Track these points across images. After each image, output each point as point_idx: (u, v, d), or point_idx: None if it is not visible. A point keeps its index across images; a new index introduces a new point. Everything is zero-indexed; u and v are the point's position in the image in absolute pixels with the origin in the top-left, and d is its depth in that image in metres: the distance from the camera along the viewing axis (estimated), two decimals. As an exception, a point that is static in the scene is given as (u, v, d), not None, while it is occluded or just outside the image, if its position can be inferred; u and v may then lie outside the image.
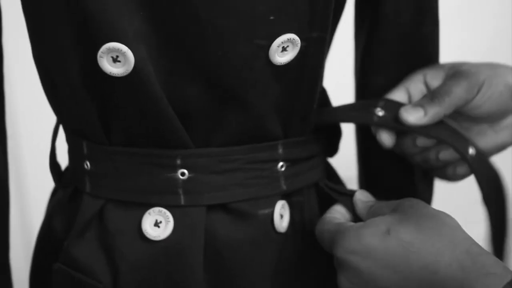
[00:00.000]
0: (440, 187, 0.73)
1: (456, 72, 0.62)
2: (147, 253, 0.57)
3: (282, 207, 0.60)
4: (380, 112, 0.62)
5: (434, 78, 0.64)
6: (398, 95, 0.64)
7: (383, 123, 0.61)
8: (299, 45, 0.53)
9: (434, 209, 0.52)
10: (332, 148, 0.66)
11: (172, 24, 0.50)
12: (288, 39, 0.52)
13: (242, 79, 0.53)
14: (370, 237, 0.51)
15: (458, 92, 0.60)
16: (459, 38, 1.51)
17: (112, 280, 0.57)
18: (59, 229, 0.63)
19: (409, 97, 0.64)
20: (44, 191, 0.77)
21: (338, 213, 0.59)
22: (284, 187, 0.60)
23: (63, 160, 0.68)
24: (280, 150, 0.59)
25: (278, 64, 0.53)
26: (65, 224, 0.62)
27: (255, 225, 0.58)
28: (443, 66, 0.65)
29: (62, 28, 0.52)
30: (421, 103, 0.61)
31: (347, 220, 0.59)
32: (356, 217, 0.59)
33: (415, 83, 0.64)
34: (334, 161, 0.70)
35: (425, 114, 0.60)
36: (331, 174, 0.68)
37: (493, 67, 0.63)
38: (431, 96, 0.61)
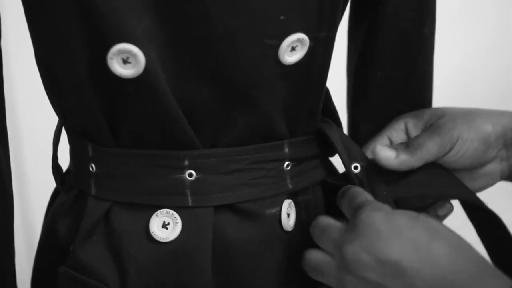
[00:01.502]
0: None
1: (432, 125, 0.63)
2: (155, 255, 0.57)
3: (289, 206, 0.60)
4: (355, 170, 0.62)
5: (415, 127, 0.65)
6: (380, 142, 0.65)
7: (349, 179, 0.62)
8: (307, 44, 0.53)
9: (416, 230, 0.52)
10: (333, 148, 0.67)
11: (182, 24, 0.50)
12: (297, 38, 0.52)
13: (251, 78, 0.53)
14: (403, 219, 0.52)
15: (430, 148, 0.61)
16: (460, 37, 1.51)
17: (120, 282, 0.57)
18: (63, 232, 0.62)
19: (392, 144, 0.65)
20: (45, 192, 0.77)
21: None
22: (290, 186, 0.60)
23: (63, 162, 0.68)
24: (286, 150, 0.59)
25: (287, 63, 0.53)
26: (69, 227, 0.62)
27: (263, 224, 0.58)
28: (423, 114, 0.65)
29: (70, 30, 0.51)
30: (396, 147, 0.62)
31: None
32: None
33: (397, 132, 0.66)
34: (333, 160, 0.70)
35: (396, 157, 0.61)
36: (334, 173, 0.68)
37: (470, 119, 0.63)
38: (406, 145, 0.62)
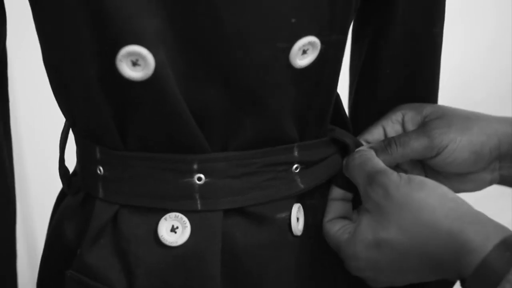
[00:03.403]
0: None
1: (426, 125, 0.63)
2: (164, 259, 0.56)
3: (298, 210, 0.60)
4: None
5: (412, 121, 0.65)
6: (375, 132, 0.65)
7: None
8: (319, 48, 0.53)
9: (406, 189, 0.54)
10: (346, 149, 0.66)
11: (192, 26, 0.50)
12: (308, 42, 0.52)
13: (262, 81, 0.53)
14: (366, 252, 0.55)
15: (415, 147, 0.62)
16: (460, 37, 1.50)
17: (128, 286, 0.57)
18: (70, 236, 0.62)
19: (385, 136, 0.66)
20: (45, 192, 0.76)
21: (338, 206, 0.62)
22: (301, 185, 0.59)
23: (67, 163, 0.67)
24: (296, 153, 0.58)
25: (298, 67, 0.53)
26: (76, 231, 0.61)
27: (273, 229, 0.58)
28: (423, 109, 0.65)
29: (78, 33, 0.50)
30: (375, 148, 0.62)
31: (348, 212, 0.62)
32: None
33: (392, 123, 0.66)
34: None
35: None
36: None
37: (467, 127, 0.62)
38: (386, 143, 0.62)
